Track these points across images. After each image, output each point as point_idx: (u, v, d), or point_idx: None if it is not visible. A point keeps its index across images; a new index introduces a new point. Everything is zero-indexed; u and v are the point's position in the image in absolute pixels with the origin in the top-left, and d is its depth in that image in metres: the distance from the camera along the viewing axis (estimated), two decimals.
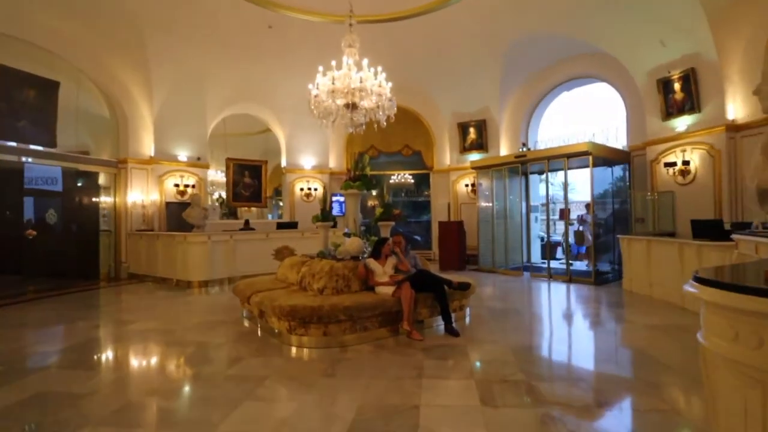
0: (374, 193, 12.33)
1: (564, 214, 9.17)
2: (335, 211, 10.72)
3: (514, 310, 5.72)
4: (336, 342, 3.93)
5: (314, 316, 3.88)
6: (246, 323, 5.05)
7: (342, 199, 11.85)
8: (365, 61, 5.66)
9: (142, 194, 9.59)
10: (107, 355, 4.06)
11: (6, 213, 9.31)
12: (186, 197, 9.93)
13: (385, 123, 5.84)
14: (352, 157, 11.58)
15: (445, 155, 11.81)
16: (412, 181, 13.01)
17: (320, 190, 12.34)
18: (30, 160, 7.92)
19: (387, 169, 12.84)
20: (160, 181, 9.78)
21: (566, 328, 5.09)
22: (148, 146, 9.68)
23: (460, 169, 11.32)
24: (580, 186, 14.34)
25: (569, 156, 7.93)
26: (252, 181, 12.10)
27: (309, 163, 12.43)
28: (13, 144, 7.56)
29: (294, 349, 3.93)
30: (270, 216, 15.90)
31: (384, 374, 3.25)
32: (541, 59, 9.75)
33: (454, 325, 4.37)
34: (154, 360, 3.89)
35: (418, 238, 13.17)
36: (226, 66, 9.76)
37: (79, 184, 9.48)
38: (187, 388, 3.15)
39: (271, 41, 9.31)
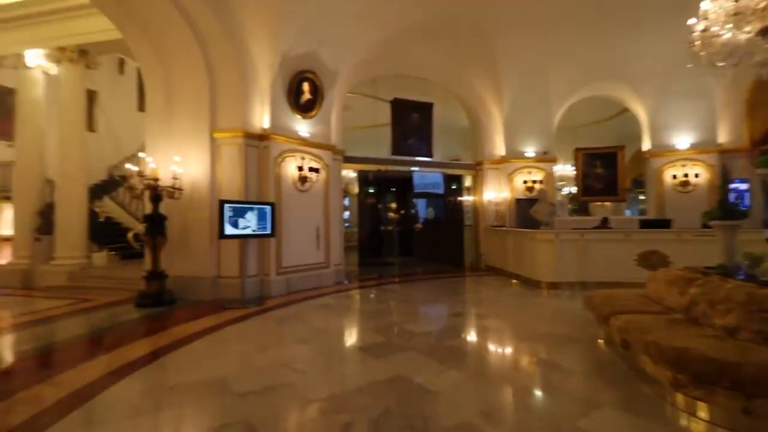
0: None
1: None
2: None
3: None
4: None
5: (724, 375, 2.40)
6: (604, 347, 4.02)
7: (745, 186, 8.20)
8: None
9: (495, 192, 10.17)
10: (457, 349, 4.19)
11: (403, 211, 12.38)
12: (534, 193, 9.71)
13: None
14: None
15: None
16: None
17: (704, 176, 9.01)
18: (416, 169, 10.05)
19: None
20: (509, 178, 10.05)
21: None
22: (499, 147, 10.15)
23: None
24: None
25: None
26: (605, 172, 10.39)
27: (683, 142, 9.32)
28: (405, 158, 9.79)
29: (684, 417, 2.61)
30: (628, 212, 13.34)
31: None
32: None
33: None
34: (493, 369, 3.65)
35: None
36: (569, 47, 8.70)
37: (453, 187, 11.17)
38: (521, 424, 2.62)
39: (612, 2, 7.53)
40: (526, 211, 9.16)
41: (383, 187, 12.79)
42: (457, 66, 9.47)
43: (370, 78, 9.39)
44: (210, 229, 6.52)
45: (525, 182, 10.01)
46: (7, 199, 8.31)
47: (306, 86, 7.41)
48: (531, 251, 7.60)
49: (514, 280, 8.21)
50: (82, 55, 7.94)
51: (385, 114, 10.12)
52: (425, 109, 10.03)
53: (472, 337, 4.70)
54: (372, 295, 7.17)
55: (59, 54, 7.82)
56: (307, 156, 7.44)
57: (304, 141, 7.42)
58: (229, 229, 5.95)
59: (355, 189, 13.86)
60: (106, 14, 6.50)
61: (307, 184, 7.38)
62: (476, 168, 10.59)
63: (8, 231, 8.33)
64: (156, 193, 6.21)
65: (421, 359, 3.75)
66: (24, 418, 2.63)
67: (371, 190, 12.55)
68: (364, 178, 11.73)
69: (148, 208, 6.33)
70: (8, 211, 8.30)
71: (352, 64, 8.21)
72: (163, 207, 6.39)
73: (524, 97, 9.57)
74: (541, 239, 7.33)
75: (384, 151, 10.32)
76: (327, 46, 7.29)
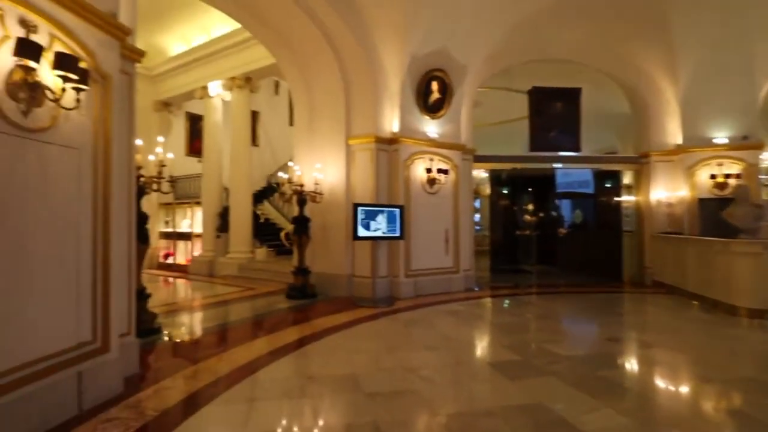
0: None
1: None
2: None
3: None
4: None
5: None
6: None
7: None
8: None
9: (667, 190, 8.33)
10: (613, 382, 3.42)
11: (543, 213, 11.15)
12: (727, 191, 7.60)
13: None
14: None
15: None
16: None
17: None
18: (559, 165, 8.92)
19: None
20: (689, 173, 8.07)
21: None
22: (673, 134, 8.28)
23: None
24: None
25: None
26: None
27: None
28: (546, 154, 8.77)
29: None
30: None
31: None
32: None
33: None
34: (665, 415, 2.82)
35: None
36: None
37: (606, 185, 9.59)
38: None
39: None
40: (716, 215, 7.21)
41: (519, 187, 11.79)
42: (612, 42, 8.07)
43: (503, 69, 8.71)
44: (346, 231, 6.88)
45: (713, 177, 7.89)
46: (198, 203, 10.30)
47: (435, 85, 7.24)
48: (724, 266, 5.89)
49: (694, 302, 6.52)
50: (247, 81, 9.36)
51: (520, 107, 9.29)
52: (570, 95, 8.82)
53: (635, 369, 3.81)
54: (506, 306, 6.58)
55: (231, 83, 9.37)
56: (435, 157, 7.27)
57: (432, 142, 7.26)
58: (361, 231, 6.16)
59: (487, 190, 13.15)
60: (264, 43, 7.47)
61: (435, 186, 7.20)
62: (640, 161, 8.84)
63: (198, 229, 10.30)
64: (301, 197, 6.84)
65: (565, 388, 3.16)
66: (201, 385, 3.14)
67: (505, 191, 11.72)
68: (496, 178, 11.00)
69: (295, 210, 7.02)
70: (199, 213, 10.28)
71: (484, 55, 7.71)
72: (307, 209, 6.99)
73: (712, 70, 7.55)
74: (739, 252, 5.62)
75: (519, 147, 9.50)
76: (456, 39, 6.99)
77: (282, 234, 7.71)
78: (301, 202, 6.87)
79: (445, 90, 7.35)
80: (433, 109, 7.30)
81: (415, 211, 6.99)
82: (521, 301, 6.90)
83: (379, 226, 6.36)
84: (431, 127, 7.32)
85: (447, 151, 7.43)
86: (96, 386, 2.59)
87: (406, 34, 6.54)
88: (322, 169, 7.07)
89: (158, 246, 11.20)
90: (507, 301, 6.88)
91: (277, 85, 14.19)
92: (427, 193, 7.15)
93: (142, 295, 4.38)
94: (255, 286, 7.97)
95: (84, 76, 2.30)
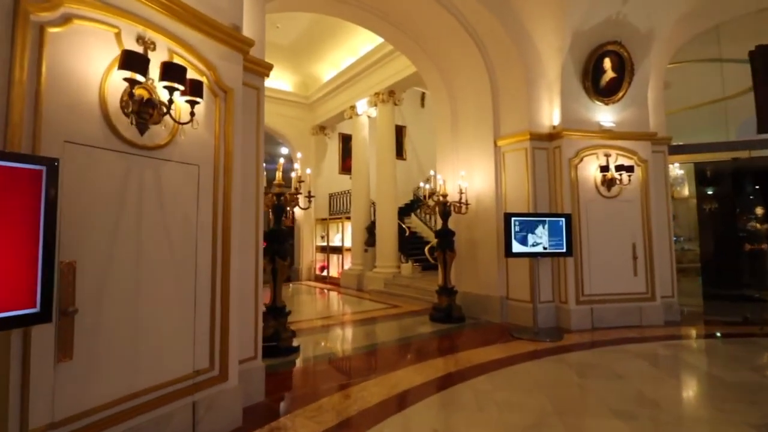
0: None
1: None
2: None
3: None
4: None
5: None
6: None
7: None
8: None
9: None
10: None
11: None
12: None
13: None
14: None
15: None
16: None
17: None
18: None
19: None
20: None
21: None
22: None
23: None
24: None
25: None
26: None
27: None
28: None
29: None
30: None
31: None
32: None
33: None
34: None
35: None
36: None
37: None
38: None
39: None
40: None
41: (738, 186, 8.71)
42: None
43: (704, 30, 6.51)
44: (497, 245, 5.95)
45: None
46: (348, 218, 10.72)
47: (607, 63, 5.75)
48: None
49: None
50: (390, 95, 9.32)
51: (731, 81, 6.81)
52: None
53: None
54: (735, 352, 4.59)
55: (375, 98, 9.47)
56: (613, 151, 5.72)
57: (608, 133, 5.75)
58: (516, 247, 5.14)
59: (684, 191, 10.21)
60: (404, 51, 7.19)
61: (614, 188, 5.64)
62: None
63: (349, 243, 10.70)
64: (445, 208, 6.23)
65: None
66: (354, 412, 2.99)
67: (713, 191, 8.80)
68: (701, 174, 8.33)
69: (440, 223, 6.44)
70: (349, 228, 10.69)
71: (677, 15, 5.84)
72: (452, 222, 6.34)
73: None
74: None
75: (731, 132, 6.97)
76: (634, 1, 5.42)
77: (426, 249, 7.22)
78: (445, 214, 6.25)
79: (623, 67, 5.77)
80: (606, 93, 5.80)
81: (587, 221, 5.58)
82: (759, 345, 4.74)
83: (539, 239, 5.23)
84: (605, 115, 5.82)
85: (629, 143, 5.79)
86: (211, 418, 2.41)
87: (564, 7, 5.33)
88: (467, 176, 6.33)
89: (315, 259, 12.12)
90: (736, 344, 4.82)
91: (423, 97, 14.12)
92: (603, 197, 5.66)
93: (281, 313, 4.38)
94: (399, 304, 7.66)
95: (198, 89, 2.17)
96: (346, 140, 12.47)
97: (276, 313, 4.43)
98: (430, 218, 11.20)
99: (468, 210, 6.22)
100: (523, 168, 5.80)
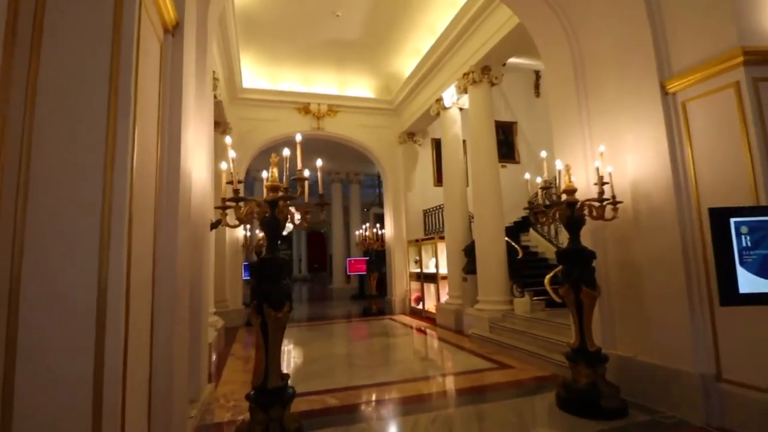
0: None
1: None
2: None
3: None
4: None
5: None
6: None
7: None
8: None
9: None
10: None
11: None
12: None
13: None
14: None
15: None
16: None
17: None
18: None
19: None
20: None
21: None
22: None
23: None
24: None
25: None
26: None
27: None
28: None
29: None
30: None
31: None
32: None
33: None
34: None
35: None
36: None
37: None
38: None
39: None
40: None
41: None
42: None
43: None
44: (685, 273, 3.17)
45: None
46: (441, 238, 8.51)
47: None
48: None
49: None
50: (484, 72, 7.01)
51: None
52: None
53: None
54: None
55: (464, 81, 7.27)
56: None
57: None
58: (747, 283, 2.34)
59: None
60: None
61: None
62: None
63: (444, 269, 8.45)
64: (572, 212, 3.68)
65: None
66: None
67: None
68: None
69: (565, 238, 3.90)
70: (444, 250, 8.45)
71: None
72: (587, 235, 3.76)
73: None
74: None
75: None
76: None
77: (546, 279, 4.65)
78: (573, 223, 3.69)
79: None
80: None
81: None
82: None
83: None
84: None
85: None
86: None
87: None
88: (609, 156, 3.71)
89: (409, 288, 10.09)
90: None
91: (536, 83, 11.33)
92: None
93: (281, 395, 2.46)
94: (511, 362, 5.12)
95: None
96: (439, 146, 10.44)
97: (272, 398, 2.59)
98: (555, 232, 8.28)
99: (618, 212, 3.57)
100: (735, 123, 2.97)
